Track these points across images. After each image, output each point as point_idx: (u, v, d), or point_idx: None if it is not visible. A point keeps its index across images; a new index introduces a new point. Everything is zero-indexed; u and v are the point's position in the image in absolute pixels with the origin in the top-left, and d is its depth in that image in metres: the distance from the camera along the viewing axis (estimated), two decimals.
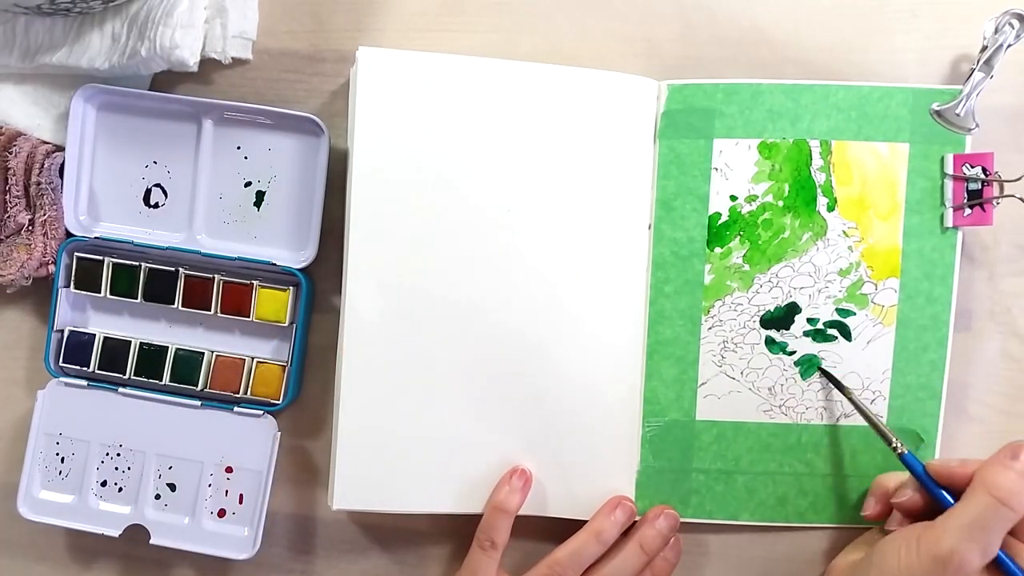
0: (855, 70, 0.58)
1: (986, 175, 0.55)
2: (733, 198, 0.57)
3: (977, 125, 0.56)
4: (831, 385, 0.57)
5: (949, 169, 0.56)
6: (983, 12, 0.56)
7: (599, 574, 0.55)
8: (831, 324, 0.57)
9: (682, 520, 0.57)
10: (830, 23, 0.59)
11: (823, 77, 0.57)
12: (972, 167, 0.56)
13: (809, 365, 0.57)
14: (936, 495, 0.52)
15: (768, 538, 0.59)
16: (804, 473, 0.58)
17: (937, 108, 0.56)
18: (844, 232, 0.56)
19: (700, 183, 0.57)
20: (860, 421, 0.57)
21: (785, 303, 0.57)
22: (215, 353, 0.59)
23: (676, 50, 0.59)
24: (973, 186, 0.56)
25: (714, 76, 0.57)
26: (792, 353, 0.57)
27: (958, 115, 0.56)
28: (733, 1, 0.59)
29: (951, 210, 0.56)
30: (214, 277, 0.58)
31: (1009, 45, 0.55)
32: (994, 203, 0.55)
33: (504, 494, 0.56)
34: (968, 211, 0.56)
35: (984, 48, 0.55)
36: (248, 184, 0.58)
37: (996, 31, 0.55)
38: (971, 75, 0.56)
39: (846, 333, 0.57)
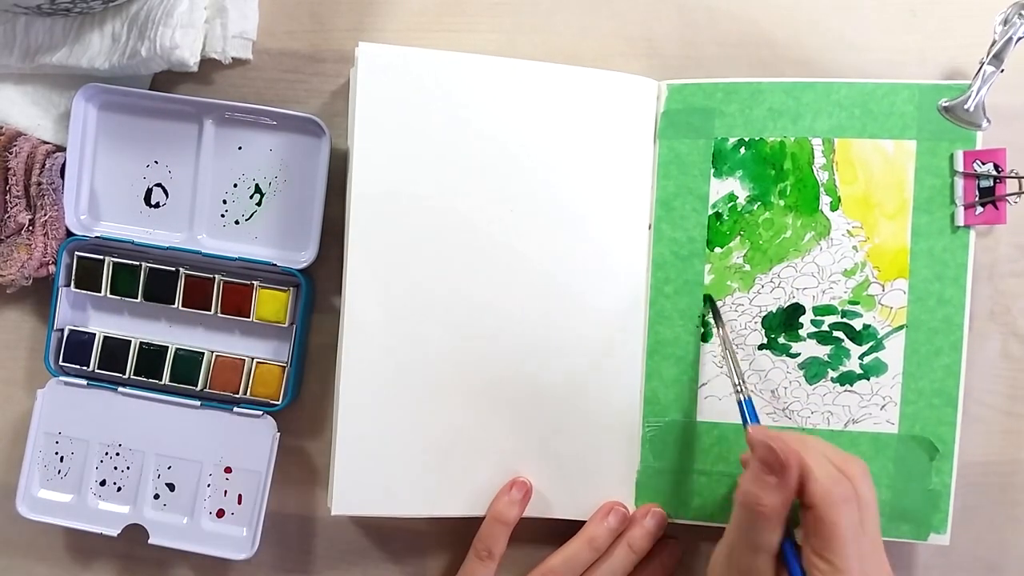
0: (855, 70, 0.58)
1: (998, 172, 0.54)
2: (733, 198, 0.56)
3: (988, 121, 0.54)
4: (712, 316, 0.56)
5: (959, 166, 0.55)
6: (983, 11, 0.55)
7: None
8: (837, 326, 0.56)
9: (683, 523, 0.56)
10: (830, 23, 0.58)
11: (823, 77, 0.56)
12: (983, 164, 0.54)
13: (816, 369, 0.56)
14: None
15: None
16: None
17: (946, 104, 0.55)
18: (848, 231, 0.55)
19: (700, 183, 0.56)
20: (868, 428, 0.56)
21: (788, 304, 0.56)
22: (215, 353, 0.59)
23: (676, 50, 0.58)
24: (985, 183, 0.54)
25: (714, 76, 0.56)
26: (796, 356, 0.56)
27: (967, 111, 0.54)
28: (733, 1, 0.58)
29: (962, 208, 0.55)
30: (214, 277, 0.58)
31: (1019, 38, 0.54)
32: (1010, 200, 0.54)
33: (503, 505, 0.55)
34: (980, 209, 0.54)
35: (994, 42, 0.54)
36: (249, 184, 0.58)
37: (1005, 23, 0.54)
38: (980, 69, 0.54)
39: (852, 335, 0.55)
